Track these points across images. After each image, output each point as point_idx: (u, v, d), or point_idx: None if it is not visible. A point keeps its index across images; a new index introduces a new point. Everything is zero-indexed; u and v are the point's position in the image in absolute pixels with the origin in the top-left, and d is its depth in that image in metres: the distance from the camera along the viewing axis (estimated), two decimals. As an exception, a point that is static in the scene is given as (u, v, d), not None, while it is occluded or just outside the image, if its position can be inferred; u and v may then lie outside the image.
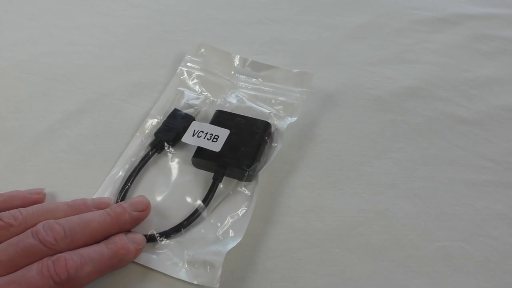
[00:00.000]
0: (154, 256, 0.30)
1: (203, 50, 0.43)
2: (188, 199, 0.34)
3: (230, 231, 0.32)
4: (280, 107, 0.39)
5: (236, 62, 0.42)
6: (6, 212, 0.29)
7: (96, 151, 0.37)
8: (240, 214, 0.32)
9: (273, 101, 0.39)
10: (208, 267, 0.29)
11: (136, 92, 0.42)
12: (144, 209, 0.32)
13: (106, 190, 0.34)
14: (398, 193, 0.35)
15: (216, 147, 0.34)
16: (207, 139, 0.35)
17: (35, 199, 0.32)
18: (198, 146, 0.35)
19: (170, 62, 0.45)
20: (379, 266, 0.31)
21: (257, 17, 0.51)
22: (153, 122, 0.38)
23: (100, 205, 0.31)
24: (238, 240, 0.30)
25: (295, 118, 0.37)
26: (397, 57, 0.46)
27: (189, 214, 0.32)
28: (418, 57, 0.46)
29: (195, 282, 0.29)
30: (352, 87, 0.43)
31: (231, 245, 0.30)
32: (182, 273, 0.29)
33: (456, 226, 0.33)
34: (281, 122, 0.37)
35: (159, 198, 0.34)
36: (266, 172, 0.34)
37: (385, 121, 0.40)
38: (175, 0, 0.53)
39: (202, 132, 0.35)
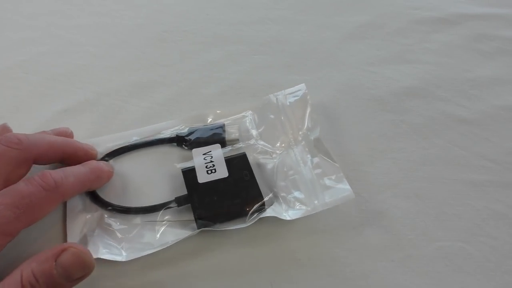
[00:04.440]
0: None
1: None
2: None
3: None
4: None
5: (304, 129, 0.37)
6: None
7: (96, 151, 0.37)
8: None
9: None
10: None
11: (136, 92, 0.42)
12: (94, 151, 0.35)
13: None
14: (398, 193, 0.35)
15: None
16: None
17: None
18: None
19: (170, 62, 0.45)
20: (379, 266, 0.31)
21: (257, 17, 0.51)
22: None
23: (60, 133, 0.34)
24: None
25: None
26: (397, 57, 0.46)
27: None
28: (418, 57, 0.46)
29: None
30: (352, 87, 0.43)
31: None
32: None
33: (456, 226, 0.33)
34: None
35: None
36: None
37: (385, 121, 0.40)
38: (175, 0, 0.53)
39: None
